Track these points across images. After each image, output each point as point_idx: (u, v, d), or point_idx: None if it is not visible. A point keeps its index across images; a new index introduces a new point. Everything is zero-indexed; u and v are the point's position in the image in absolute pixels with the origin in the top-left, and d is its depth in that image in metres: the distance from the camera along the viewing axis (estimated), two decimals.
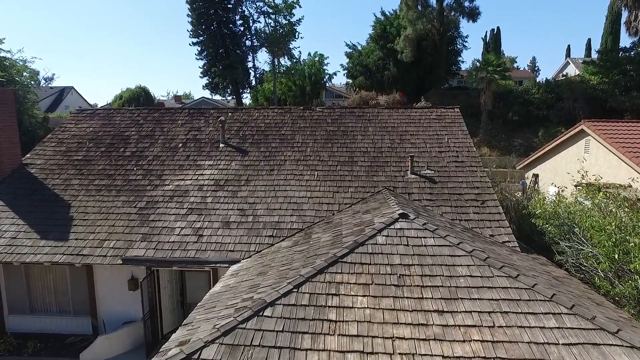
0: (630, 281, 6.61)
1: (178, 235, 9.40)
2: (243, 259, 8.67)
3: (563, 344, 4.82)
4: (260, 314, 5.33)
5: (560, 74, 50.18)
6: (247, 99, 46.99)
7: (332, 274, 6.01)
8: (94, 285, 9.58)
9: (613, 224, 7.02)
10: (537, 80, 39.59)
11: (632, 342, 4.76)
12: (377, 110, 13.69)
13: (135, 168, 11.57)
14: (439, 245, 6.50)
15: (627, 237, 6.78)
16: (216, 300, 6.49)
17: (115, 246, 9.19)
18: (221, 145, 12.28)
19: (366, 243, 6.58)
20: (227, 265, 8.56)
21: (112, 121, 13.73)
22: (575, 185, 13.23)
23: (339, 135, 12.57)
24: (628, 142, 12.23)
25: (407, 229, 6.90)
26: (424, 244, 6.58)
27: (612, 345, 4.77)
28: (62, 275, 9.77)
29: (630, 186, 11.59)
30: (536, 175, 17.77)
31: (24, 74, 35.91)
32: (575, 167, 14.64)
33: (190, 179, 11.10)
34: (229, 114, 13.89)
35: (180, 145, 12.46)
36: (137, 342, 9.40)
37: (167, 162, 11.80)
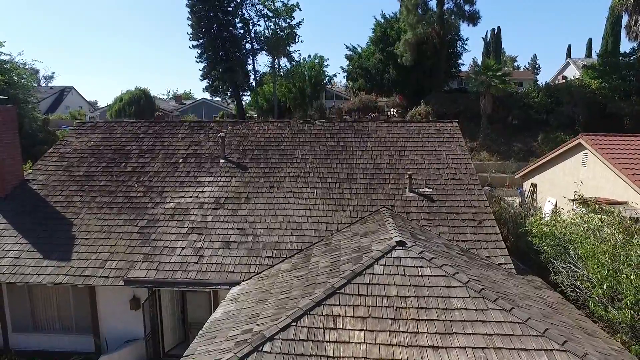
0: (623, 309, 6.73)
1: (179, 255, 9.53)
2: (243, 281, 8.81)
3: None
4: (260, 349, 5.46)
5: (561, 75, 50.21)
6: (247, 100, 47.08)
7: (330, 306, 6.14)
8: (96, 305, 9.73)
9: (606, 255, 7.14)
10: (537, 83, 39.65)
11: None
12: (376, 124, 13.81)
13: (136, 185, 11.69)
14: (435, 276, 6.63)
15: (621, 267, 6.90)
16: (216, 330, 6.63)
17: (117, 267, 9.32)
18: (221, 161, 12.40)
19: (364, 273, 6.71)
20: (228, 288, 8.71)
21: (113, 134, 13.85)
22: (572, 200, 13.34)
23: (338, 150, 12.68)
24: (625, 158, 12.30)
25: (404, 257, 7.01)
26: (420, 273, 6.70)
27: None
28: (65, 294, 9.92)
29: (626, 203, 11.72)
30: (534, 185, 17.90)
31: (24, 76, 36.06)
32: (572, 179, 14.75)
33: (191, 197, 11.22)
34: (229, 127, 14.01)
35: (181, 160, 12.57)
36: (139, 359, 9.56)
37: (168, 178, 11.92)
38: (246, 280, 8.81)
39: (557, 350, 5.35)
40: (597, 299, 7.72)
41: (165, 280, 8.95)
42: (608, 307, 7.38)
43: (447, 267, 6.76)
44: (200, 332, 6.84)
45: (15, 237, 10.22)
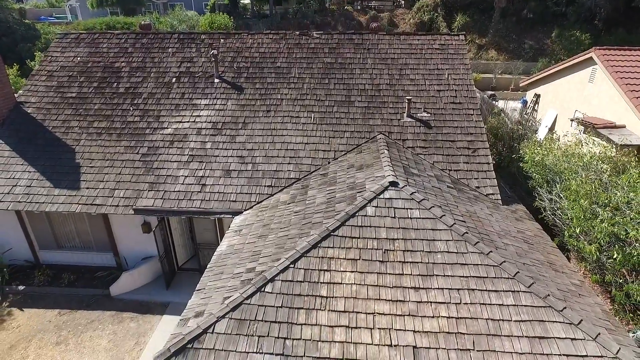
0: (591, 251, 7.36)
1: (182, 184, 9.96)
2: (245, 210, 9.40)
3: (515, 321, 5.78)
4: (262, 289, 6.22)
5: None
6: None
7: (325, 248, 6.75)
8: (111, 228, 10.53)
9: (586, 201, 7.49)
10: None
11: (571, 319, 5.71)
12: (377, 37, 12.93)
13: (132, 108, 11.56)
14: (423, 218, 7.10)
15: (599, 210, 7.33)
16: (223, 265, 7.39)
17: (125, 195, 9.84)
18: (216, 80, 12.02)
19: (356, 215, 7.18)
20: (231, 216, 9.34)
21: (99, 49, 13.14)
22: (571, 120, 13.28)
23: (337, 68, 12.17)
24: (635, 78, 11.85)
25: (395, 198, 7.41)
26: (409, 215, 7.17)
27: (554, 322, 5.73)
28: (81, 218, 10.64)
29: (624, 127, 11.72)
30: (538, 95, 17.47)
31: None
32: (577, 94, 14.42)
33: (188, 121, 11.20)
34: (222, 40, 13.18)
35: (174, 80, 12.18)
36: (157, 273, 10.76)
37: (163, 100, 11.72)
38: (247, 209, 9.39)
39: (523, 291, 6.09)
40: (572, 230, 8.38)
41: (172, 209, 9.54)
42: (580, 238, 8.06)
43: (435, 209, 7.20)
44: (208, 265, 7.63)
45: (22, 164, 10.53)
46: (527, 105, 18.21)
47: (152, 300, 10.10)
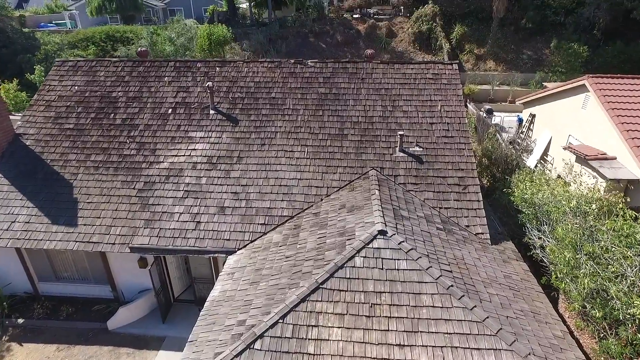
0: (575, 303, 7.54)
1: (177, 221, 10.14)
2: (238, 249, 9.58)
3: None
4: (252, 346, 6.41)
5: None
6: None
7: (313, 302, 6.93)
8: (108, 263, 10.73)
9: (568, 254, 7.64)
10: None
11: None
12: (371, 66, 13.04)
13: (128, 141, 11.73)
14: (409, 270, 7.27)
15: (581, 259, 7.48)
16: (215, 314, 7.57)
17: (121, 233, 10.02)
18: (211, 112, 12.17)
19: (345, 266, 7.35)
20: (224, 255, 9.53)
21: (96, 77, 13.30)
22: (564, 148, 13.39)
23: (331, 99, 12.30)
24: (625, 109, 11.90)
25: (383, 248, 7.57)
26: (396, 267, 7.34)
27: None
28: (79, 253, 10.82)
29: (614, 158, 11.83)
30: (533, 115, 17.56)
31: None
32: (571, 119, 14.53)
33: (184, 155, 11.36)
34: (217, 69, 13.33)
35: (170, 111, 12.34)
36: (153, 306, 10.96)
37: (159, 133, 11.87)
38: (241, 249, 9.57)
39: (504, 349, 6.26)
40: (559, 270, 8.52)
41: (167, 248, 9.72)
42: (567, 282, 8.21)
43: (422, 260, 7.37)
44: (202, 312, 7.82)
45: (21, 200, 10.72)
46: (523, 124, 18.30)
47: (148, 334, 10.31)
